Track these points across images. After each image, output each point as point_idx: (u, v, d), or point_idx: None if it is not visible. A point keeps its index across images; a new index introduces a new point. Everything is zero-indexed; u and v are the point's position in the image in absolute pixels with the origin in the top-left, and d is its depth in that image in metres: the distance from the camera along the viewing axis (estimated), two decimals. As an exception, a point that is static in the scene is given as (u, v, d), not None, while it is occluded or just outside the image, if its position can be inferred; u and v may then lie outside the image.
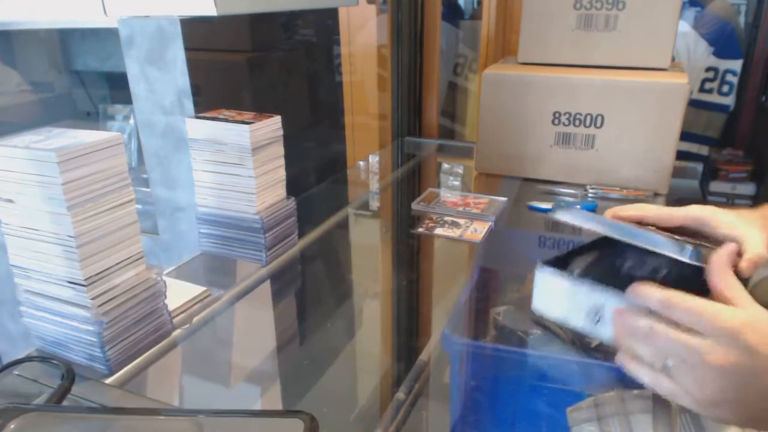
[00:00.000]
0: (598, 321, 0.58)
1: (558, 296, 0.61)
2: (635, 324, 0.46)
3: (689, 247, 0.49)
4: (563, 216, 0.60)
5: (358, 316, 0.75)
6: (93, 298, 0.53)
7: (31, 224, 0.52)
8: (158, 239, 1.01)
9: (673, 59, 1.05)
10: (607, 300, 0.57)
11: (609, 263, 0.63)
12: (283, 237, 0.81)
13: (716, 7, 1.64)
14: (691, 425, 0.47)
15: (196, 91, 0.87)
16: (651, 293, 0.46)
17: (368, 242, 1.00)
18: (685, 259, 0.47)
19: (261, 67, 1.04)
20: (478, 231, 0.90)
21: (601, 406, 0.50)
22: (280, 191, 0.81)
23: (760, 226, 0.58)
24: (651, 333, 0.45)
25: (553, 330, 0.62)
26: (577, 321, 0.59)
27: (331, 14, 1.27)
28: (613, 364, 0.58)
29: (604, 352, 0.59)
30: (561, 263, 0.62)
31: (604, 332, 0.57)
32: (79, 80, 1.51)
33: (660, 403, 0.49)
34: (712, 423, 0.49)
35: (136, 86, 0.91)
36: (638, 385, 0.54)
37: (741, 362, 0.40)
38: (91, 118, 1.52)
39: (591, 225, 0.57)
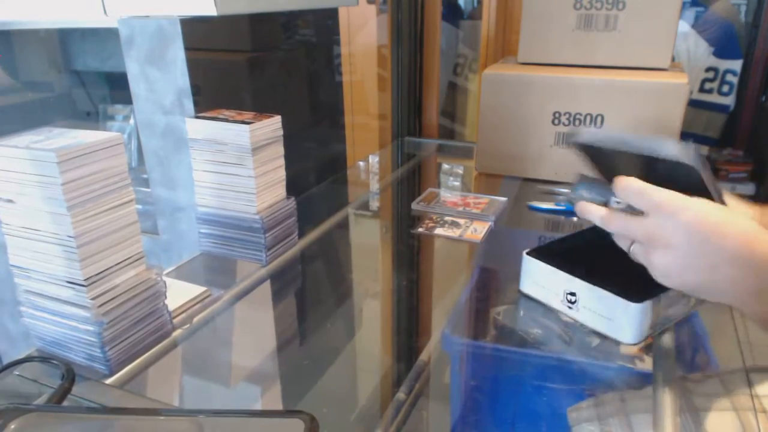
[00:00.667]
0: (573, 303, 0.60)
1: (540, 281, 0.64)
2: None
3: (692, 145, 0.52)
4: (582, 138, 0.62)
5: (358, 316, 0.75)
6: (93, 299, 0.53)
7: (31, 224, 0.52)
8: (158, 239, 1.01)
9: (673, 59, 1.05)
10: (578, 288, 0.60)
11: (588, 254, 0.65)
12: (283, 237, 0.81)
13: (717, 7, 1.64)
14: (691, 425, 0.47)
15: (196, 91, 0.87)
16: (625, 182, 0.53)
17: (368, 242, 1.00)
18: (693, 164, 0.49)
19: (261, 67, 1.04)
20: (478, 231, 0.90)
21: (601, 406, 0.50)
22: (280, 191, 0.81)
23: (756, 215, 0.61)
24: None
25: (554, 329, 0.62)
26: (555, 303, 0.62)
27: (331, 14, 1.27)
28: (613, 364, 0.58)
29: (605, 352, 0.59)
30: (547, 252, 0.65)
31: (579, 316, 0.60)
32: (79, 80, 1.51)
33: (660, 403, 0.49)
34: (713, 423, 0.49)
35: (136, 86, 0.91)
36: (639, 386, 0.54)
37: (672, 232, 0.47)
38: (91, 118, 1.52)
39: (607, 142, 0.59)
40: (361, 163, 1.39)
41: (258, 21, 1.02)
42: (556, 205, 0.99)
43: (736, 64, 1.61)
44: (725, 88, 1.64)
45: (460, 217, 0.95)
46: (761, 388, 0.50)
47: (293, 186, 0.83)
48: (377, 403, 0.58)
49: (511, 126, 1.10)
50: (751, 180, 1.75)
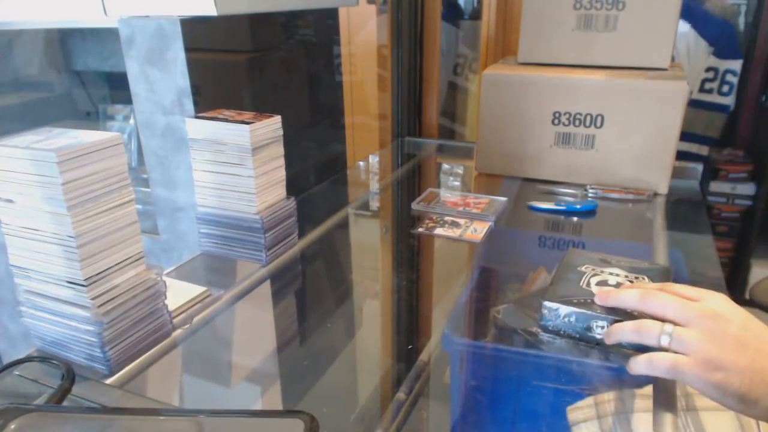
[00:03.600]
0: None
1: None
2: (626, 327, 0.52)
3: None
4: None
5: (358, 316, 0.75)
6: (93, 299, 0.53)
7: (31, 224, 0.52)
8: (158, 239, 1.01)
9: (673, 59, 1.05)
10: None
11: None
12: (283, 237, 0.81)
13: (716, 7, 1.64)
14: (690, 425, 0.47)
15: (196, 91, 0.87)
16: (627, 295, 0.52)
17: (368, 242, 1.00)
18: None
19: (261, 67, 1.04)
20: (478, 231, 0.90)
21: (601, 405, 0.50)
22: (280, 191, 0.81)
23: None
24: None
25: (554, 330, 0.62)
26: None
27: (331, 14, 1.27)
28: (613, 364, 0.58)
29: (605, 352, 0.59)
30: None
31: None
32: (79, 80, 1.51)
33: (660, 403, 0.49)
34: (712, 423, 0.49)
35: (136, 86, 0.91)
36: (638, 385, 0.54)
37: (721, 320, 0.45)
38: (91, 118, 1.52)
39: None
40: (361, 163, 1.39)
41: (258, 21, 1.02)
42: (556, 205, 1.00)
43: (736, 64, 1.61)
44: (725, 88, 1.64)
45: (460, 217, 0.95)
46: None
47: (293, 186, 0.83)
48: (377, 403, 0.58)
49: (511, 126, 1.10)
50: (751, 180, 1.75)
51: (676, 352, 0.46)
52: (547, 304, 0.60)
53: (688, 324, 0.47)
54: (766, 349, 0.43)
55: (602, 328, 0.56)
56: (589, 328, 0.57)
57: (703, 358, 0.45)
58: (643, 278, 0.63)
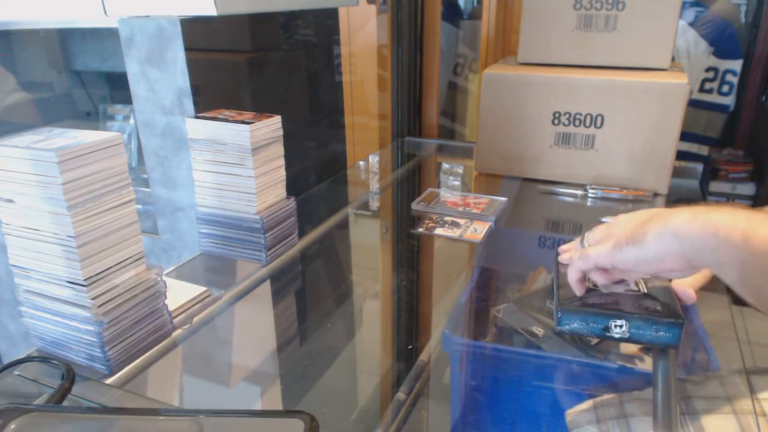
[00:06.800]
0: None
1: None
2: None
3: None
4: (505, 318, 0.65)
5: (358, 316, 0.75)
6: (93, 298, 0.53)
7: (31, 224, 0.52)
8: (158, 239, 1.01)
9: (673, 59, 1.05)
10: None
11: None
12: (283, 237, 0.81)
13: (717, 7, 1.64)
14: (691, 428, 0.47)
15: (196, 91, 0.87)
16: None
17: (368, 242, 1.00)
18: None
19: (261, 67, 1.04)
20: (478, 231, 0.90)
21: (600, 409, 0.50)
22: (280, 191, 0.81)
23: None
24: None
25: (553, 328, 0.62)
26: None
27: (331, 14, 1.27)
28: (613, 364, 0.58)
29: (605, 351, 0.59)
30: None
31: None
32: (79, 80, 1.51)
33: (660, 406, 0.49)
34: (712, 427, 0.49)
35: (136, 86, 0.91)
36: (638, 386, 0.54)
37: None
38: (91, 118, 1.52)
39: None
40: (361, 163, 1.39)
41: (258, 21, 1.02)
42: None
43: (736, 64, 1.61)
44: (725, 88, 1.64)
45: (460, 217, 0.95)
46: (762, 391, 0.50)
47: (293, 186, 0.83)
48: (377, 403, 0.58)
49: (510, 126, 1.10)
50: (751, 180, 1.75)
51: None
52: (563, 309, 0.59)
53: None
54: (656, 218, 0.49)
55: (620, 327, 0.57)
56: (607, 329, 0.57)
57: (602, 237, 0.54)
58: None
